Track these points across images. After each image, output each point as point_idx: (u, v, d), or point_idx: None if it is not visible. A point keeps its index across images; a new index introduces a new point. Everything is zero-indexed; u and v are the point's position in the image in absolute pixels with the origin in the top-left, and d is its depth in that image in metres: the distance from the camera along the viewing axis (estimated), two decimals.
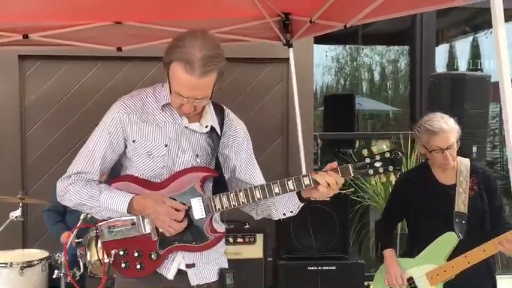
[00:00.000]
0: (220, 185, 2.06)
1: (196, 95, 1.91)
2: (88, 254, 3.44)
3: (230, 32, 4.28)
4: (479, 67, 7.07)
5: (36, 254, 3.81)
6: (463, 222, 2.75)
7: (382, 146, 1.83)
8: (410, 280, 2.85)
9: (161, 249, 2.03)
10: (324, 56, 6.84)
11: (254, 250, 4.03)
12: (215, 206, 2.00)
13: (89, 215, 3.46)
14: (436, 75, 3.96)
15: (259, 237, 4.03)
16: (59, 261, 3.36)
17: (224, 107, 2.20)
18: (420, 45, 5.27)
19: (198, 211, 2.00)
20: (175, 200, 2.00)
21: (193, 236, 2.03)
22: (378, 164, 1.94)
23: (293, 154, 4.79)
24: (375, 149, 1.88)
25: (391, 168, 1.93)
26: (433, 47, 5.34)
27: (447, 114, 3.58)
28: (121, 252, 2.05)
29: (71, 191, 2.04)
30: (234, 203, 1.99)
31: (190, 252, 2.07)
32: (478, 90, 3.79)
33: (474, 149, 3.70)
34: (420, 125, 2.84)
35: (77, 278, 3.39)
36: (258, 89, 4.89)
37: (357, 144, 6.37)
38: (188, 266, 2.08)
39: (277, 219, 2.18)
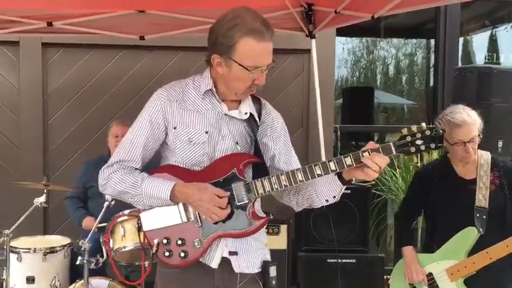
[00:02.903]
0: (260, 171, 2.06)
1: (269, 59, 1.97)
2: (111, 240, 3.49)
3: None
4: (496, 61, 6.99)
5: (58, 240, 3.86)
6: (484, 217, 2.72)
7: (421, 124, 1.82)
8: (430, 276, 2.83)
9: (204, 236, 2.02)
10: (341, 48, 6.81)
11: (278, 241, 4.02)
12: (257, 190, 1.99)
13: (113, 202, 3.50)
14: (461, 69, 3.92)
15: (283, 228, 4.04)
16: (82, 248, 3.38)
17: (261, 98, 2.21)
18: (444, 38, 5.20)
19: (240, 196, 2.00)
20: (216, 187, 2.01)
21: (237, 222, 2.02)
22: (419, 142, 1.90)
23: (313, 146, 4.77)
24: (414, 128, 1.84)
25: (433, 145, 1.89)
26: (457, 40, 5.26)
27: (473, 109, 3.56)
28: (164, 241, 2.05)
29: (114, 179, 2.05)
30: (276, 186, 1.98)
31: (233, 238, 2.06)
32: (504, 84, 3.74)
33: (500, 143, 3.65)
34: (442, 117, 2.80)
35: (100, 265, 3.41)
36: (278, 80, 4.87)
37: (376, 138, 6.34)
38: (231, 253, 2.08)
39: (319, 207, 2.14)
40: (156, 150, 2.13)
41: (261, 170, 2.06)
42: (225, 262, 2.07)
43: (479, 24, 7.09)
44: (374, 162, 1.89)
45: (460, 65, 5.45)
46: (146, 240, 2.09)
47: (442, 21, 5.19)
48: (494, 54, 7.48)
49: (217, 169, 2.04)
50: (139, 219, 2.11)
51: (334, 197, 2.08)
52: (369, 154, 1.91)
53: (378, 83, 8.02)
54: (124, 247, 3.41)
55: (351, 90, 6.44)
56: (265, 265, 2.14)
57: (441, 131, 1.92)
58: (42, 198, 3.62)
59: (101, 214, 3.48)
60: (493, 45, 7.58)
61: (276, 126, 2.20)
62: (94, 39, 4.49)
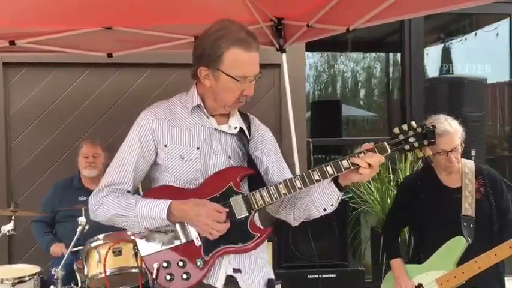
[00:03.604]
0: (256, 183, 2.00)
1: (257, 69, 1.96)
2: (86, 267, 3.34)
3: None
4: (450, 73, 7.20)
5: (27, 269, 3.64)
6: (471, 225, 2.72)
7: (411, 123, 1.85)
8: (420, 287, 2.80)
9: (206, 254, 1.94)
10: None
11: None
12: (257, 202, 1.94)
13: (87, 226, 3.35)
14: (432, 79, 4.01)
15: (269, 246, 3.93)
16: (55, 276, 3.22)
17: (248, 113, 2.19)
18: (409, 49, 5.26)
19: (239, 210, 1.94)
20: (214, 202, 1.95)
21: (238, 236, 1.94)
22: (412, 139, 1.90)
23: (286, 161, 4.71)
24: (405, 126, 1.85)
25: (426, 142, 1.89)
26: (422, 51, 5.34)
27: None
28: (164, 264, 1.94)
29: (106, 203, 1.97)
30: (275, 196, 1.93)
31: (236, 254, 1.98)
32: (475, 94, 3.81)
33: (473, 152, 3.70)
34: None
35: None
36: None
37: (345, 151, 6.37)
38: (235, 270, 2.00)
39: (317, 217, 2.09)
40: (146, 173, 2.06)
41: (256, 182, 2.01)
42: (230, 281, 1.99)
43: (435, 36, 7.26)
44: (367, 162, 1.88)
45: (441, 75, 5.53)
46: (145, 266, 1.98)
47: (406, 33, 5.26)
48: (450, 66, 7.71)
49: (212, 185, 1.98)
50: (135, 244, 2.01)
51: (332, 205, 2.02)
52: (365, 155, 1.90)
53: (339, 95, 8.12)
54: (100, 273, 3.26)
55: (319, 103, 6.46)
56: (270, 284, 2.07)
57: (431, 127, 1.92)
58: (10, 226, 3.44)
59: (74, 239, 3.33)
60: (447, 57, 7.81)
61: (266, 140, 2.17)
62: (58, 58, 4.37)
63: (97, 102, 4.66)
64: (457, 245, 2.70)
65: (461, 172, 2.81)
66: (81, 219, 3.32)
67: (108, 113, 4.61)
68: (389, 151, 1.91)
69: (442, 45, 7.76)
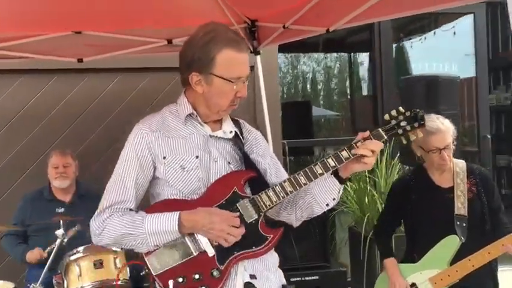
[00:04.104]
0: (259, 186, 1.96)
1: (248, 69, 1.95)
2: (65, 281, 3.21)
3: None
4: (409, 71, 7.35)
5: (0, 286, 3.49)
6: (464, 224, 2.73)
7: (398, 108, 1.90)
8: (414, 286, 2.81)
9: (221, 263, 1.88)
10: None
11: None
12: (264, 203, 1.90)
13: (65, 239, 3.22)
14: (408, 78, 4.02)
15: None
16: None
17: (237, 118, 2.16)
18: (379, 49, 5.30)
19: (248, 214, 1.90)
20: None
21: (251, 240, 1.90)
22: (403, 123, 1.93)
23: None
24: (393, 112, 1.89)
25: (416, 124, 1.92)
26: (391, 50, 5.39)
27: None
28: (180, 280, 1.87)
29: (111, 224, 1.88)
30: (282, 195, 1.90)
31: (250, 260, 1.93)
32: (450, 92, 3.85)
33: None
34: None
35: None
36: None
37: (316, 152, 6.38)
38: (252, 276, 1.94)
39: (320, 213, 2.07)
40: (145, 190, 1.99)
41: (259, 184, 1.98)
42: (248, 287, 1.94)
43: (395, 35, 7.39)
44: (369, 150, 1.88)
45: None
46: (160, 285, 1.89)
47: (376, 32, 5.30)
48: (412, 64, 7.86)
49: (216, 192, 1.94)
50: (145, 264, 1.91)
51: (334, 199, 2.02)
52: (363, 143, 1.91)
53: (304, 96, 8.16)
54: (81, 287, 3.14)
55: (290, 104, 6.45)
56: None
57: (418, 110, 1.95)
58: None
59: (53, 253, 3.19)
60: (404, 56, 7.98)
61: (260, 142, 2.16)
62: (24, 64, 4.18)
63: (66, 109, 4.50)
64: (451, 244, 2.71)
65: (452, 172, 2.83)
66: (60, 232, 3.18)
67: (78, 121, 4.45)
68: (385, 137, 1.94)
69: (406, 43, 7.93)
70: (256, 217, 1.90)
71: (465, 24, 7.63)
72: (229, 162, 2.01)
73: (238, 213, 1.89)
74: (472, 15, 5.81)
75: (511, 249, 2.58)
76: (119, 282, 3.21)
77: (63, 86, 4.54)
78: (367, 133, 1.93)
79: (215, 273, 1.87)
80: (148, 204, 2.01)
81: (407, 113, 1.94)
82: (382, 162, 4.53)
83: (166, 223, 1.85)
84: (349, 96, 8.62)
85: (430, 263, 2.77)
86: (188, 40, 1.97)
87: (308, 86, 8.47)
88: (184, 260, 1.88)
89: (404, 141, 2.07)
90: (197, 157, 1.96)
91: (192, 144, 1.98)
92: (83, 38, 3.87)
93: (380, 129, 1.94)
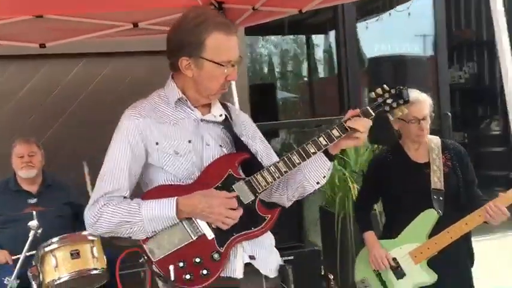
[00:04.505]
0: (252, 166, 1.96)
1: (238, 52, 1.95)
2: (41, 274, 3.12)
3: (161, 24, 4.05)
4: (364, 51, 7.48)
5: None
6: (441, 198, 2.79)
7: (383, 86, 1.99)
8: (394, 261, 2.85)
9: (221, 246, 1.87)
10: None
11: None
12: (260, 184, 1.91)
13: (40, 230, 3.12)
14: (376, 58, 4.06)
15: None
16: (8, 287, 2.98)
17: (223, 101, 2.15)
18: (343, 29, 5.33)
19: (245, 195, 1.90)
20: None
21: (249, 221, 1.90)
22: (389, 101, 1.99)
23: None
24: (379, 90, 1.96)
25: (401, 101, 1.98)
26: (355, 30, 5.43)
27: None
28: (180, 264, 1.84)
29: (106, 213, 1.85)
30: (277, 175, 1.91)
31: (248, 243, 1.93)
32: (416, 71, 3.93)
33: None
34: None
35: None
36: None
37: (282, 134, 6.39)
38: (251, 257, 1.94)
39: (311, 192, 2.11)
40: (138, 178, 1.96)
41: (252, 165, 1.98)
42: (248, 269, 1.93)
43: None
44: (359, 125, 1.93)
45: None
46: (159, 270, 1.86)
47: (339, 12, 5.32)
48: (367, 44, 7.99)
49: (211, 175, 1.93)
50: (144, 251, 1.87)
51: (324, 177, 2.06)
52: (352, 120, 1.95)
53: (260, 79, 8.17)
54: (59, 278, 3.08)
55: (254, 87, 6.42)
56: (282, 269, 2.05)
57: (402, 87, 2.01)
58: None
59: (27, 244, 3.08)
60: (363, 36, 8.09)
61: (248, 124, 2.17)
62: None
63: (28, 96, 4.36)
64: (429, 217, 2.77)
65: (428, 147, 2.88)
66: (33, 223, 3.08)
67: (42, 108, 4.31)
68: (373, 114, 1.98)
69: (362, 24, 8.03)
70: (253, 198, 1.91)
71: (420, 5, 7.81)
72: (221, 146, 2.00)
73: (236, 194, 1.89)
74: None
75: (491, 215, 2.63)
76: (97, 272, 3.15)
77: (24, 72, 4.39)
78: (357, 111, 1.96)
79: (215, 256, 1.86)
80: (140, 192, 1.96)
81: (392, 91, 2.00)
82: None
83: (164, 209, 1.83)
84: (306, 79, 8.70)
85: (409, 238, 2.83)
86: (176, 24, 1.95)
87: (266, 68, 8.47)
88: (183, 245, 1.86)
89: (391, 118, 2.13)
90: (190, 141, 1.95)
91: (183, 129, 1.96)
92: (45, 22, 3.71)
93: (368, 107, 1.98)
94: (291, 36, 8.65)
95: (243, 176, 1.95)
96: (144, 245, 1.87)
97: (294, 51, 8.99)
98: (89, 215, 1.88)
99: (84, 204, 3.74)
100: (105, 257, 3.27)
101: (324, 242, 4.68)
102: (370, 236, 2.95)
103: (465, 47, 9.12)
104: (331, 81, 7.65)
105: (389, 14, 8.22)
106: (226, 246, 1.88)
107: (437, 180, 2.81)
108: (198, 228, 1.88)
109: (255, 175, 1.92)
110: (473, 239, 2.96)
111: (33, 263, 3.17)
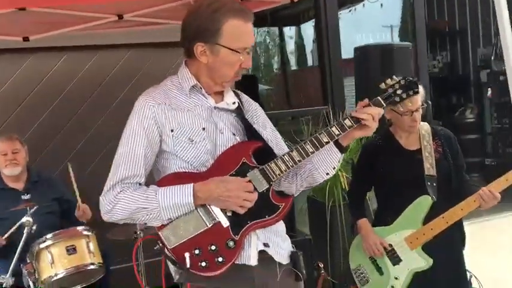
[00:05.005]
0: (264, 155, 1.96)
1: (253, 39, 1.96)
2: (37, 271, 3.08)
3: (146, 15, 4.01)
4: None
5: None
6: (434, 184, 2.85)
7: (392, 76, 2.04)
8: (390, 247, 2.91)
9: (236, 234, 1.88)
10: None
11: None
12: (274, 172, 1.91)
13: (34, 226, 3.08)
14: (363, 48, 4.09)
15: None
16: (4, 285, 2.93)
17: (234, 89, 2.14)
18: (325, 19, 5.34)
19: (259, 183, 1.91)
20: None
21: (263, 209, 1.91)
22: (399, 91, 2.02)
23: None
24: (388, 81, 2.01)
25: (411, 92, 2.03)
26: (337, 19, 5.44)
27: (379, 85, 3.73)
28: (196, 252, 1.85)
29: (123, 199, 1.84)
30: (291, 164, 1.92)
31: (262, 231, 1.94)
32: (402, 60, 3.98)
33: None
34: None
35: None
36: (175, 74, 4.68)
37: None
38: (265, 245, 1.95)
39: (321, 182, 2.12)
40: (152, 165, 1.96)
41: (263, 154, 1.98)
42: (262, 257, 1.94)
43: None
44: (370, 114, 1.94)
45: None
46: (175, 257, 1.87)
47: (322, 2, 5.32)
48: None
49: (225, 163, 1.93)
50: (159, 238, 1.88)
51: (334, 168, 2.08)
52: (363, 109, 1.97)
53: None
54: (55, 275, 3.04)
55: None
56: (294, 256, 2.06)
57: (411, 78, 2.05)
58: None
59: (21, 241, 3.04)
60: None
61: (259, 113, 2.16)
62: None
63: (10, 91, 4.25)
64: (423, 203, 2.83)
65: (419, 134, 2.93)
66: (27, 220, 3.03)
67: (24, 103, 4.21)
68: (384, 104, 2.01)
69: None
70: (267, 186, 1.92)
71: None
72: (234, 134, 2.00)
73: (249, 179, 1.90)
74: None
75: (485, 201, 2.70)
76: (94, 267, 3.13)
77: (6, 66, 4.29)
78: (366, 101, 1.99)
79: (231, 243, 1.87)
80: (151, 179, 1.96)
81: (402, 81, 2.03)
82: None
83: (181, 196, 1.84)
84: (280, 70, 8.72)
85: (404, 224, 2.88)
86: (193, 9, 1.96)
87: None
88: (199, 232, 1.87)
89: (401, 109, 2.16)
90: (204, 129, 1.94)
91: (197, 116, 1.96)
92: (28, 15, 3.62)
93: (379, 97, 2.00)
94: (264, 28, 8.66)
95: (256, 164, 1.95)
96: (160, 232, 1.88)
97: (270, 43, 9.01)
98: (105, 200, 1.87)
99: (72, 200, 3.73)
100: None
101: (312, 231, 4.72)
102: (364, 223, 3.00)
103: (438, 36, 9.27)
104: (312, 71, 7.71)
105: (363, 5, 8.34)
106: (241, 234, 1.88)
107: (429, 166, 2.86)
108: (213, 215, 1.88)
109: (268, 164, 1.92)
110: (464, 222, 3.03)
111: (28, 260, 3.12)
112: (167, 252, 1.87)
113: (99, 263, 3.18)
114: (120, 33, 4.15)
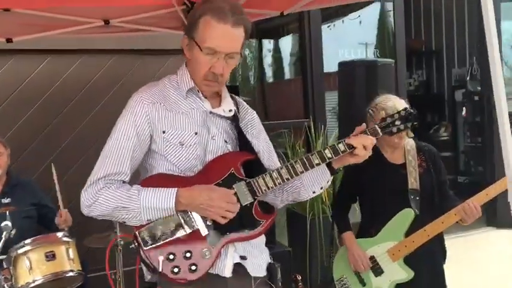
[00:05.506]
0: (254, 167, 1.95)
1: (230, 47, 1.86)
2: (13, 277, 3.00)
3: (133, 22, 3.99)
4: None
5: None
6: (417, 198, 2.89)
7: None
8: (373, 259, 2.94)
9: (213, 244, 1.86)
10: None
11: None
12: (260, 188, 1.89)
13: (13, 231, 3.01)
14: (348, 63, 4.14)
15: None
16: None
17: (233, 95, 2.12)
18: (309, 32, 5.41)
19: (244, 196, 1.89)
20: None
21: (244, 223, 1.89)
22: (398, 122, 2.05)
23: None
24: (389, 109, 2.07)
25: (409, 124, 2.06)
26: (320, 33, 5.52)
27: (363, 99, 3.80)
28: (170, 257, 1.83)
29: (104, 196, 1.81)
30: (278, 181, 1.90)
31: (241, 243, 1.92)
32: (386, 76, 4.04)
33: None
34: (375, 105, 2.92)
35: None
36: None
37: None
38: (242, 257, 1.93)
39: (306, 199, 2.12)
40: (139, 163, 1.93)
41: (253, 167, 1.96)
42: (237, 269, 1.92)
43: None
44: (363, 144, 1.97)
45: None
46: (149, 260, 1.84)
47: (306, 16, 5.39)
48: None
49: (213, 171, 1.91)
50: (136, 237, 1.85)
51: (322, 188, 2.08)
52: (357, 137, 1.99)
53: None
54: (33, 281, 2.97)
55: None
56: (271, 267, 2.05)
57: (412, 110, 2.07)
58: None
59: None
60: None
61: (255, 122, 2.14)
62: None
63: None
64: (406, 216, 2.87)
65: (404, 149, 2.98)
66: (6, 224, 2.96)
67: (4, 105, 4.13)
68: (381, 134, 2.03)
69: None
70: (252, 200, 1.90)
71: (370, 14, 8.08)
72: (226, 141, 1.98)
73: (234, 191, 1.88)
74: (380, 3, 6.11)
75: (467, 215, 2.75)
76: (73, 274, 3.06)
77: None
78: (364, 127, 2.00)
79: (206, 253, 1.85)
80: (137, 176, 1.94)
81: (403, 113, 2.05)
82: (319, 140, 4.68)
83: (163, 199, 1.81)
84: (257, 82, 8.78)
85: (387, 236, 2.91)
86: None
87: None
88: (176, 237, 1.85)
89: (396, 140, 2.35)
90: (196, 133, 1.92)
91: (191, 120, 1.93)
92: (13, 16, 3.57)
93: (376, 126, 2.02)
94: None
95: (244, 176, 1.93)
96: (137, 232, 1.85)
97: (247, 55, 9.06)
98: (85, 195, 1.84)
99: (50, 205, 3.66)
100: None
101: (292, 244, 4.73)
102: (349, 236, 3.03)
103: (415, 55, 9.45)
104: (290, 84, 7.77)
105: (342, 21, 8.46)
106: (218, 245, 1.87)
107: (413, 180, 2.91)
108: (193, 222, 1.86)
109: (256, 178, 1.90)
110: (445, 236, 3.08)
111: (5, 265, 3.04)
112: (142, 253, 1.84)
113: (79, 270, 3.11)
114: (104, 39, 4.12)
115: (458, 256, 3.18)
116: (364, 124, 2.03)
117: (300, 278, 4.18)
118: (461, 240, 5.71)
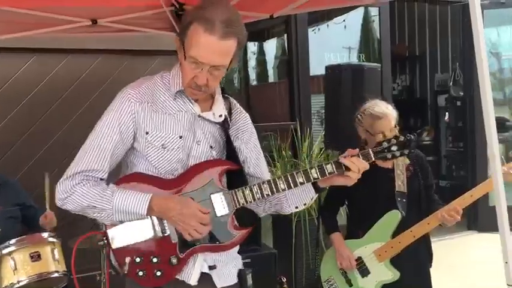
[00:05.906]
0: (236, 177, 1.92)
1: (214, 60, 1.78)
2: None
3: (121, 22, 3.97)
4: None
5: None
6: (404, 200, 2.93)
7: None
8: (360, 260, 2.97)
9: (182, 252, 1.84)
10: None
11: None
12: (238, 201, 1.86)
13: None
14: (335, 66, 4.15)
15: None
16: None
17: (229, 96, 2.07)
18: (296, 35, 5.44)
19: (220, 207, 1.85)
20: (193, 198, 1.84)
21: (217, 234, 1.86)
22: (394, 148, 1.98)
23: None
24: (388, 133, 2.00)
25: (406, 151, 1.98)
26: (307, 37, 5.54)
27: (349, 103, 3.82)
28: (137, 259, 1.81)
29: (79, 192, 1.78)
30: (258, 196, 1.86)
31: (213, 252, 1.90)
32: (372, 80, 4.07)
33: None
34: (363, 110, 2.95)
35: None
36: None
37: None
38: (210, 268, 1.91)
39: (288, 213, 2.10)
40: (121, 158, 1.91)
41: (236, 176, 1.93)
42: (204, 278, 1.91)
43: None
44: (354, 164, 1.91)
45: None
46: (116, 260, 1.83)
47: (292, 19, 5.42)
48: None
49: (192, 177, 1.87)
50: (106, 235, 1.83)
51: (305, 204, 2.05)
52: (348, 159, 1.93)
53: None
54: (18, 282, 2.95)
55: None
56: (241, 274, 2.03)
57: (412, 136, 2.01)
58: None
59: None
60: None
61: (247, 127, 2.09)
62: None
63: None
64: (393, 218, 2.89)
65: None
66: None
67: None
68: (373, 158, 1.97)
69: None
70: (227, 212, 1.87)
71: (354, 19, 8.14)
72: (211, 147, 1.95)
73: (209, 208, 1.84)
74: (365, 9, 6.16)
75: (447, 219, 2.78)
76: (58, 275, 3.04)
77: None
78: (356, 151, 1.95)
79: (174, 260, 1.84)
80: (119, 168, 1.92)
81: (401, 139, 1.98)
82: (305, 142, 4.70)
83: (136, 204, 1.79)
84: (238, 85, 8.80)
85: (374, 237, 2.94)
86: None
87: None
88: (145, 240, 1.83)
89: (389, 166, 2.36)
90: (181, 137, 1.89)
91: (177, 122, 1.89)
92: None
93: (370, 150, 1.96)
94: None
95: (224, 186, 1.90)
96: (108, 230, 1.84)
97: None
98: (60, 188, 1.82)
99: (34, 206, 3.62)
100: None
101: (279, 247, 4.73)
102: (337, 237, 3.05)
103: (398, 60, 9.55)
104: (274, 87, 7.78)
105: (327, 25, 8.52)
106: (186, 253, 1.85)
107: (401, 183, 2.94)
108: (164, 227, 1.84)
109: (236, 190, 1.87)
110: (431, 239, 3.12)
111: None
112: (110, 253, 1.83)
113: (64, 271, 3.09)
114: (91, 38, 4.10)
115: (439, 260, 3.21)
116: (357, 149, 1.97)
117: (285, 279, 4.20)
118: (442, 243, 5.77)
